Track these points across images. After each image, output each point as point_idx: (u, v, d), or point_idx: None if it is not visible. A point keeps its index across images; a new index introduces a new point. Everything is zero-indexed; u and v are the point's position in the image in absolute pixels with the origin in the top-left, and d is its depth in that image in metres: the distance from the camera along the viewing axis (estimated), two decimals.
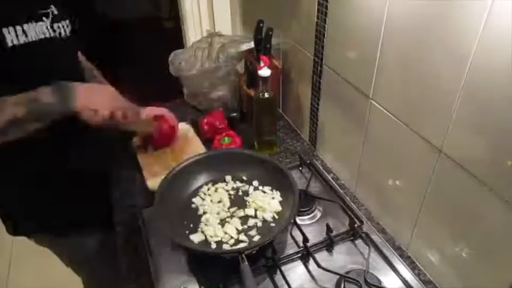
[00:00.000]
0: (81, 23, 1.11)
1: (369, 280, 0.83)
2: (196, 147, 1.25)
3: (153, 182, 1.10)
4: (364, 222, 0.98)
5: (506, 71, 0.57)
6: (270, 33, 1.21)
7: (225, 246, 0.88)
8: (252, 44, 1.31)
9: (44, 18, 0.91)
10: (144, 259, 0.93)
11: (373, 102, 0.91)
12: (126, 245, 0.98)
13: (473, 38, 0.61)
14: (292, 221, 0.95)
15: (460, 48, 0.64)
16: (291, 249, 0.93)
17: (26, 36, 0.84)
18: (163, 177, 1.06)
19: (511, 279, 0.66)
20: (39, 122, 0.82)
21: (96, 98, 0.87)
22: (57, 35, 0.94)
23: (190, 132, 1.33)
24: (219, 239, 0.91)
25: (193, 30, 1.78)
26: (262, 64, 1.09)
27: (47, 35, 0.91)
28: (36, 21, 0.88)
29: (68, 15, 0.99)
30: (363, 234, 0.94)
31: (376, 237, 0.95)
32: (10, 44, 0.82)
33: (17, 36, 0.83)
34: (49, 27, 0.91)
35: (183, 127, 1.34)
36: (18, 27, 0.83)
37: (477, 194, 0.68)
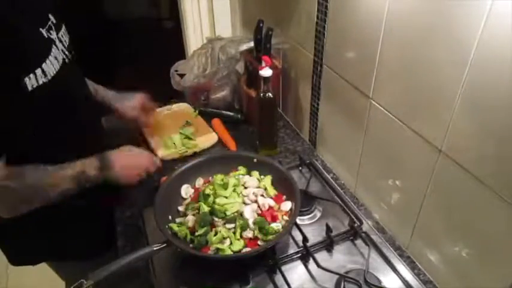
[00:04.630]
0: (82, 24, 1.09)
1: (368, 280, 0.83)
2: (201, 125, 1.34)
3: (164, 152, 1.22)
4: (364, 222, 0.98)
5: (507, 70, 0.58)
6: (270, 33, 1.21)
7: None
8: (251, 44, 1.31)
9: (51, 34, 0.83)
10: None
11: (373, 102, 0.91)
12: (126, 245, 0.98)
13: (473, 37, 0.61)
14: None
15: (460, 47, 0.64)
16: (290, 249, 0.93)
17: (45, 75, 0.77)
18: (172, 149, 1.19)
19: (511, 279, 0.66)
20: (79, 188, 0.88)
21: (131, 167, 0.96)
22: (64, 48, 0.87)
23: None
24: None
25: (193, 30, 1.78)
26: (263, 64, 1.09)
27: (60, 59, 0.83)
28: (51, 51, 0.80)
29: (63, 21, 0.92)
30: (363, 234, 0.94)
31: (376, 237, 0.95)
32: (30, 89, 0.75)
33: (36, 79, 0.75)
34: (58, 44, 0.85)
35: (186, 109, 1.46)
36: (38, 70, 0.76)
37: (477, 194, 0.68)
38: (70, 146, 0.90)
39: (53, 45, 0.82)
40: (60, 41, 0.87)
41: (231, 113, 1.42)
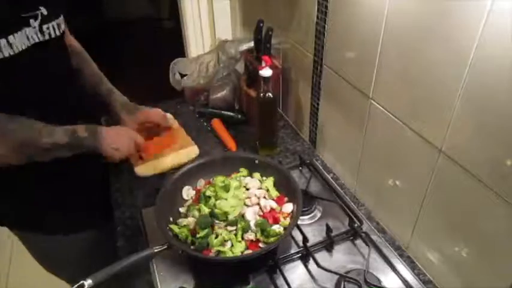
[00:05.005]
0: (81, 24, 1.10)
1: (368, 280, 0.83)
2: (182, 138, 1.26)
3: (141, 168, 1.14)
4: (364, 222, 0.98)
5: (507, 70, 0.58)
6: (270, 33, 1.21)
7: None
8: (251, 44, 1.31)
9: (31, 21, 0.87)
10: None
11: (373, 102, 0.91)
12: (126, 245, 0.99)
13: (473, 37, 0.61)
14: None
15: (460, 47, 0.64)
16: (291, 249, 0.93)
17: (11, 47, 0.81)
18: (149, 163, 1.14)
19: (511, 279, 0.66)
20: (70, 152, 0.93)
21: (118, 139, 1.00)
22: (46, 37, 0.91)
23: (175, 123, 1.34)
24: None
25: (193, 30, 1.78)
26: (263, 64, 1.09)
27: (36, 40, 0.88)
28: (21, 28, 0.84)
29: (59, 14, 0.96)
30: (363, 234, 0.94)
31: (376, 237, 0.95)
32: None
33: (1, 50, 0.79)
34: (37, 31, 0.88)
35: (168, 117, 1.36)
36: (2, 40, 0.79)
37: (477, 194, 0.68)
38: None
39: (30, 28, 0.86)
40: (42, 32, 0.90)
41: (231, 113, 1.41)
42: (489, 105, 0.62)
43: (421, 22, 0.72)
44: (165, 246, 0.83)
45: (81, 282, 0.73)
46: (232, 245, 0.87)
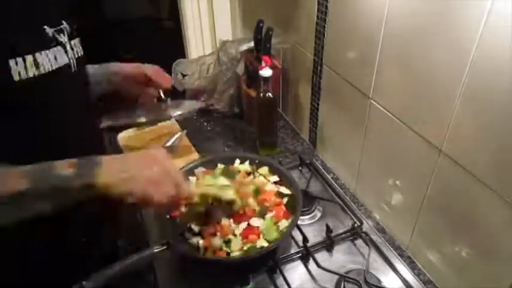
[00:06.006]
0: (81, 24, 1.06)
1: (368, 280, 0.83)
2: (187, 151, 1.21)
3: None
4: (364, 222, 0.98)
5: (507, 70, 0.58)
6: (270, 33, 1.21)
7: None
8: (251, 44, 1.31)
9: (61, 37, 0.74)
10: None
11: (373, 102, 0.91)
12: (126, 244, 0.99)
13: (473, 37, 0.61)
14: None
15: (461, 47, 0.64)
16: (291, 249, 0.93)
17: (38, 67, 0.66)
18: None
19: (511, 279, 0.66)
20: (50, 201, 0.64)
21: (128, 170, 0.66)
22: (74, 56, 0.78)
23: (178, 132, 1.27)
24: None
25: (193, 30, 1.78)
26: (263, 64, 1.09)
27: (64, 62, 0.74)
28: (52, 47, 0.70)
29: (77, 32, 0.82)
30: (363, 234, 0.94)
31: (376, 237, 0.95)
32: (17, 78, 0.63)
33: (25, 68, 0.64)
34: (68, 49, 0.76)
35: (173, 126, 1.31)
36: (29, 57, 0.65)
37: (477, 194, 0.68)
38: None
39: (59, 46, 0.74)
40: (72, 49, 0.79)
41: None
42: (489, 105, 0.62)
43: (421, 22, 0.72)
44: (165, 246, 0.83)
45: (82, 282, 0.72)
46: (229, 241, 0.86)
